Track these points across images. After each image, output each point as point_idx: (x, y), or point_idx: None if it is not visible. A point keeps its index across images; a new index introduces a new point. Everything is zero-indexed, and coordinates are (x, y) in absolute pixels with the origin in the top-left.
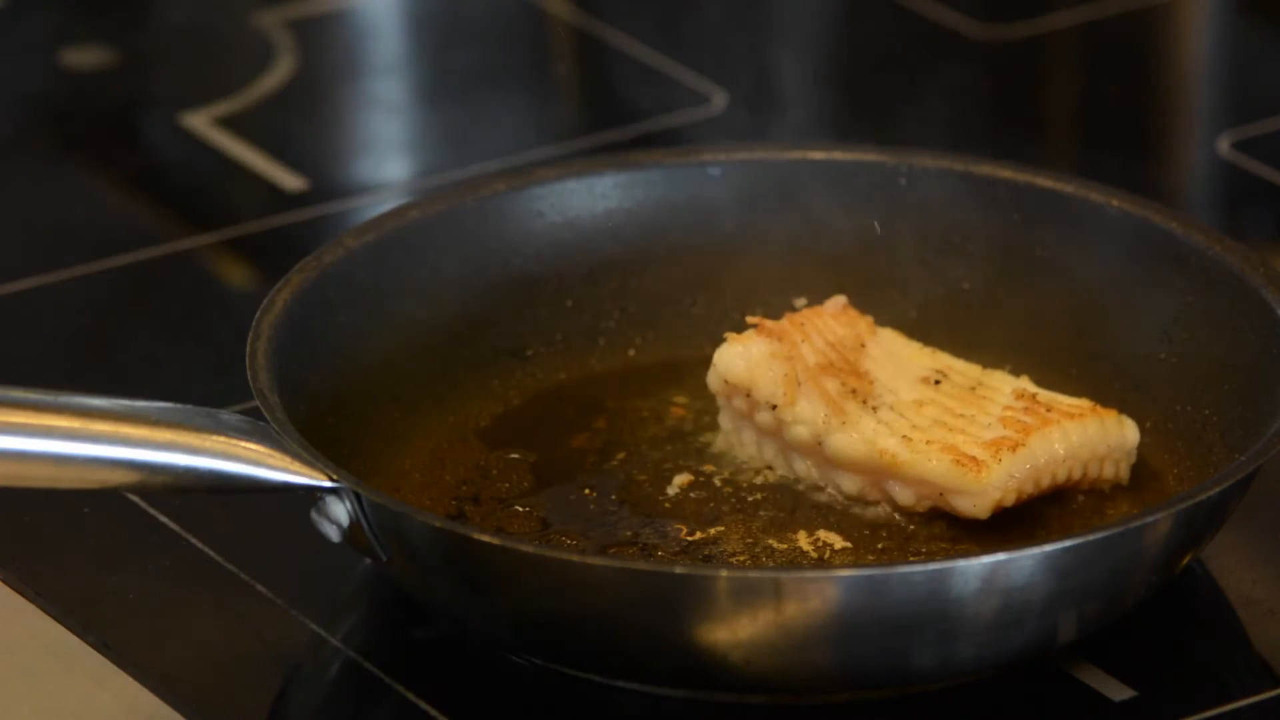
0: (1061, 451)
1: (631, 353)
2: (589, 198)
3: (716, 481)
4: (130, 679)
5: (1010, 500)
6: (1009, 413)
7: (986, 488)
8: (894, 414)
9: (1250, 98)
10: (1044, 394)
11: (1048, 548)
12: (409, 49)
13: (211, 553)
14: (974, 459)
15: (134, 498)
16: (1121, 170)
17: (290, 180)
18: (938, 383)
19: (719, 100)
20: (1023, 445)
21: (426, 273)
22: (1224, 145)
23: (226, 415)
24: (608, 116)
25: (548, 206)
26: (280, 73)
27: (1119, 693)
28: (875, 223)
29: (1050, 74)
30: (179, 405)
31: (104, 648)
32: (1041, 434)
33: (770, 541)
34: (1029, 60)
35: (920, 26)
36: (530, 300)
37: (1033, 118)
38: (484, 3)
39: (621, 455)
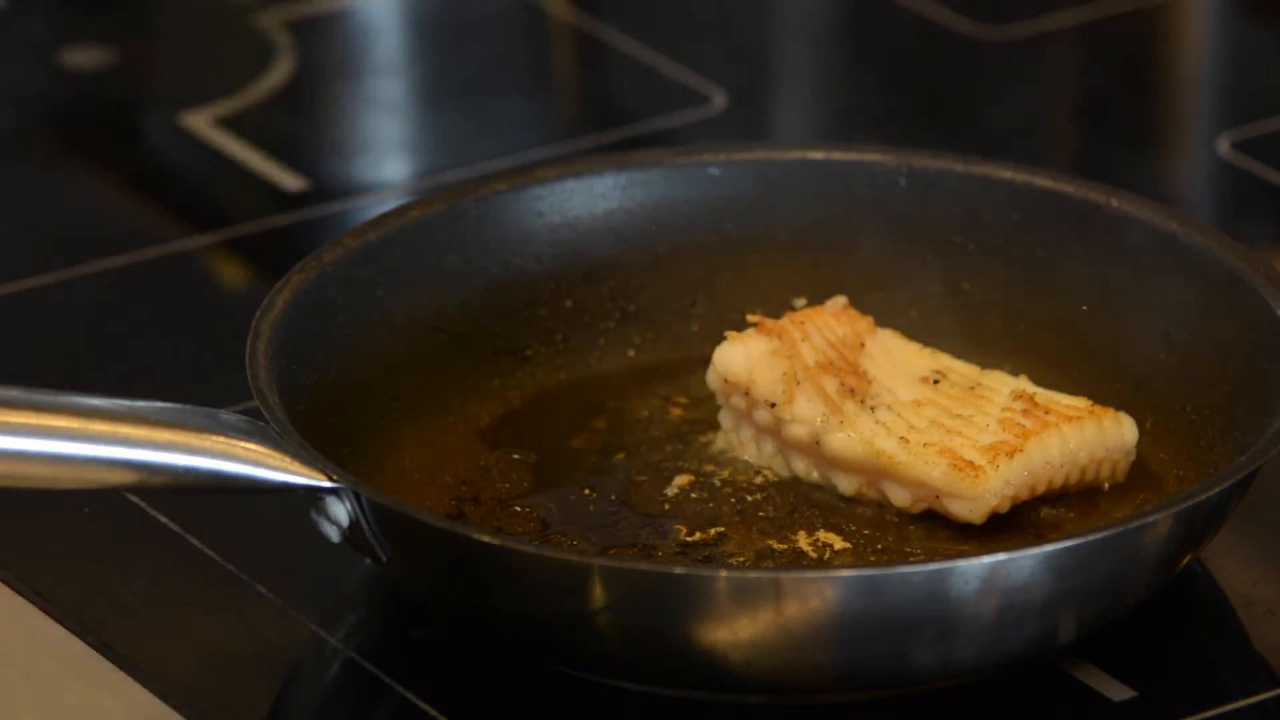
0: (1059, 457)
1: (631, 353)
2: (589, 198)
3: (716, 481)
4: (130, 679)
5: (1006, 507)
6: (1007, 414)
7: (983, 493)
8: (892, 414)
9: (1250, 98)
10: (1042, 394)
11: (1048, 548)
12: (409, 49)
13: (211, 553)
14: (971, 464)
15: (134, 498)
16: (1121, 170)
17: (290, 180)
18: (936, 383)
19: (719, 100)
20: (1020, 451)
21: (426, 273)
22: (1224, 145)
23: (226, 415)
24: (608, 116)
25: (548, 206)
26: (280, 73)
27: (1119, 693)
28: (875, 224)
29: (1050, 74)
30: (178, 405)
31: (104, 648)
32: (1039, 439)
33: (770, 542)
34: (1029, 60)
35: (920, 26)
36: (530, 300)
37: (1033, 118)
38: (484, 3)
39: (621, 455)
